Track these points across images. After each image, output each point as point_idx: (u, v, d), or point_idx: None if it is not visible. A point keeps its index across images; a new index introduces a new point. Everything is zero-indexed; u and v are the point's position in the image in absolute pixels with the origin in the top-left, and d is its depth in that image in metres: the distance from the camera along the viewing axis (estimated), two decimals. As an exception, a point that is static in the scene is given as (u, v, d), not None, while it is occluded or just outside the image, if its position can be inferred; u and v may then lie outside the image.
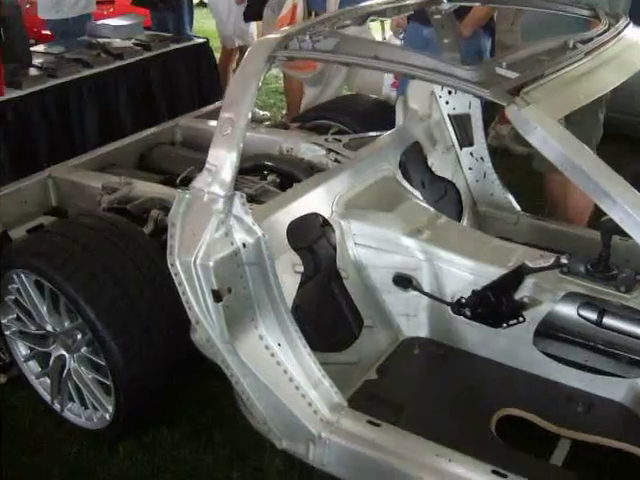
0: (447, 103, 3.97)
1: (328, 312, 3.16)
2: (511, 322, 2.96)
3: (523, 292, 2.94)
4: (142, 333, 2.97)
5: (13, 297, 3.29)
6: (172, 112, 5.41)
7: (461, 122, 4.01)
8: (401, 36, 5.19)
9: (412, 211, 3.38)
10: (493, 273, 3.00)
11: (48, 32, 6.81)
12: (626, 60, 2.64)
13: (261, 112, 7.39)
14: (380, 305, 3.31)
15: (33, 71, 5.01)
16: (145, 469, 3.20)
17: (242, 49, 7.15)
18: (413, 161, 3.79)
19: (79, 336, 3.15)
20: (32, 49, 5.88)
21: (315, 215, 3.15)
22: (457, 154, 4.06)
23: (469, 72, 2.26)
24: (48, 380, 3.40)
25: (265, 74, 2.61)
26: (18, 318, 3.36)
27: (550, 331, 2.98)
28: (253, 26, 7.07)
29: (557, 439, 2.85)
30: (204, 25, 9.88)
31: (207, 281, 2.54)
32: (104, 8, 8.14)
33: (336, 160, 3.89)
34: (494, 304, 2.94)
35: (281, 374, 2.72)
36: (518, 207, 4.10)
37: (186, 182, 3.82)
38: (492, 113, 6.14)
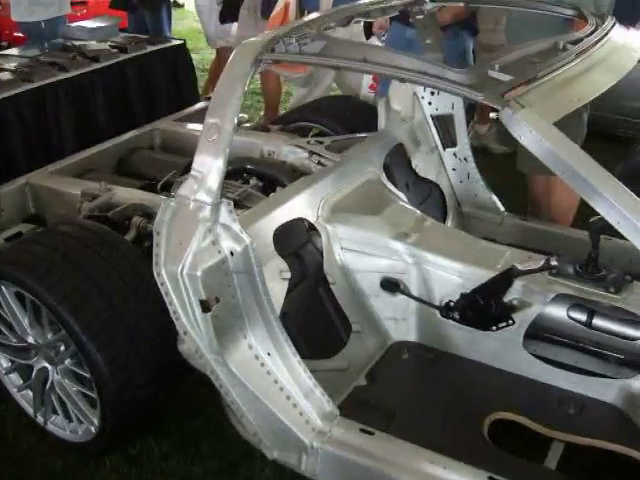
0: (430, 104, 3.94)
1: (316, 318, 3.12)
2: (500, 325, 2.96)
3: (512, 294, 2.92)
4: (128, 344, 2.90)
5: (-8, 309, 3.22)
6: (150, 115, 5.33)
7: (444, 123, 3.98)
8: (383, 37, 5.15)
9: (398, 214, 3.34)
10: (481, 276, 2.98)
11: (21, 34, 6.71)
12: (615, 61, 2.62)
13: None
14: (368, 310, 3.27)
15: (7, 75, 4.90)
16: (133, 482, 3.14)
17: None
18: (397, 163, 3.75)
19: (62, 348, 3.08)
20: (5, 52, 5.82)
21: (301, 220, 3.11)
22: (440, 155, 4.03)
23: (461, 75, 2.23)
24: (30, 393, 3.33)
25: (251, 77, 2.55)
26: (-2, 330, 3.28)
27: (540, 333, 2.96)
28: (235, 27, 6.99)
29: (550, 442, 2.83)
30: (178, 26, 9.81)
31: (195, 291, 2.49)
32: (77, 9, 8.07)
33: (319, 163, 3.84)
34: (483, 307, 2.94)
35: (271, 384, 2.68)
36: (502, 208, 4.08)
37: (167, 187, 3.81)
38: (471, 113, 6.14)
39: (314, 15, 2.91)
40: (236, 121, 2.50)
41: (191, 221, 2.49)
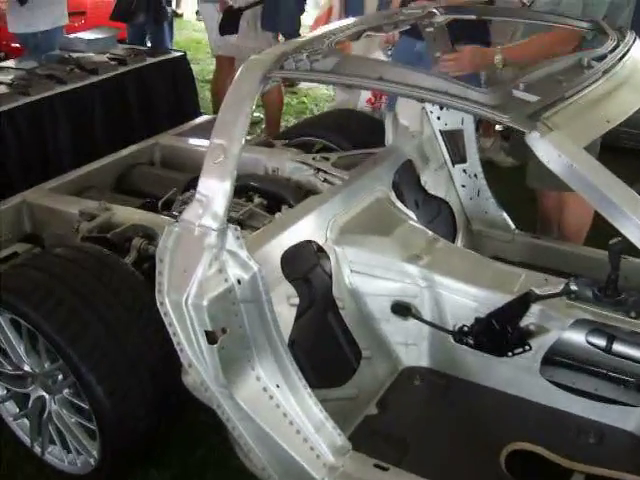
0: (439, 119, 3.83)
1: (325, 345, 3.00)
2: (517, 351, 2.84)
3: (529, 319, 2.80)
4: (129, 374, 2.77)
5: (-14, 336, 3.08)
6: (150, 129, 5.19)
7: (453, 138, 3.88)
8: (389, 52, 5.03)
9: (409, 235, 3.23)
10: (497, 300, 2.87)
11: (18, 45, 6.59)
12: None
13: None
14: (378, 335, 3.15)
15: (3, 88, 4.77)
16: (133, 516, 3.01)
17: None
18: (406, 180, 3.64)
19: (60, 377, 2.95)
20: (1, 65, 5.69)
21: (309, 242, 2.98)
22: (450, 171, 3.92)
23: (485, 95, 2.10)
24: (27, 421, 3.20)
25: (259, 95, 2.43)
26: (-7, 357, 3.15)
27: (557, 359, 2.85)
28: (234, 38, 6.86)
29: (570, 474, 2.70)
30: (177, 36, 9.67)
31: (200, 322, 2.35)
32: (75, 20, 7.92)
33: (325, 180, 3.72)
34: (499, 332, 2.83)
35: (281, 417, 2.54)
36: (513, 225, 3.97)
37: (168, 205, 3.68)
38: (476, 125, 6.04)
39: (324, 29, 2.79)
40: (243, 142, 2.36)
41: (196, 248, 2.35)
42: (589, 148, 2.04)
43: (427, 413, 3.03)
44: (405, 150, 3.72)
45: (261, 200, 3.61)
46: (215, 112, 6.86)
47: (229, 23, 6.40)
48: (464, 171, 3.91)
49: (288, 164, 3.95)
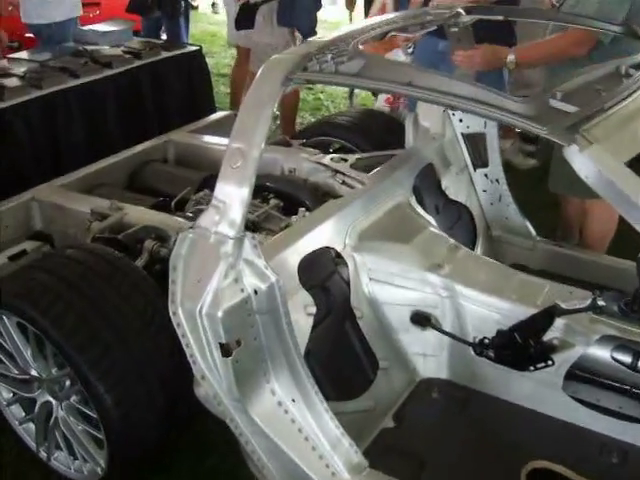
0: (461, 121, 3.72)
1: (342, 356, 2.90)
2: (539, 365, 2.74)
3: (553, 334, 2.71)
4: (138, 383, 2.67)
5: (-7, 337, 3.00)
6: (164, 125, 5.11)
7: (475, 142, 3.77)
8: (410, 50, 4.91)
9: (430, 242, 3.13)
10: (520, 312, 2.77)
11: (31, 35, 6.48)
12: None
13: None
14: (396, 345, 3.06)
15: (15, 81, 4.67)
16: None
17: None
18: (427, 185, 3.54)
19: (67, 383, 2.85)
20: (14, 56, 5.59)
21: (327, 249, 2.88)
22: (471, 175, 3.81)
23: (521, 105, 1.99)
24: (33, 426, 3.11)
25: (280, 98, 2.32)
26: (-1, 360, 3.07)
27: (581, 375, 2.76)
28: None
29: (593, 494, 2.62)
30: (192, 29, 9.52)
31: (214, 333, 2.25)
32: (90, 10, 7.80)
33: (343, 182, 3.62)
34: (521, 346, 2.73)
35: (296, 433, 2.44)
36: (534, 232, 3.87)
37: (181, 205, 3.59)
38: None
39: (348, 28, 2.68)
40: (263, 146, 2.26)
41: (211, 256, 2.24)
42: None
43: (445, 427, 2.93)
44: (426, 153, 3.62)
45: (277, 202, 3.51)
46: (232, 105, 6.87)
47: (245, 17, 6.31)
48: (485, 175, 3.81)
49: (305, 165, 3.86)
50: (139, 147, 4.38)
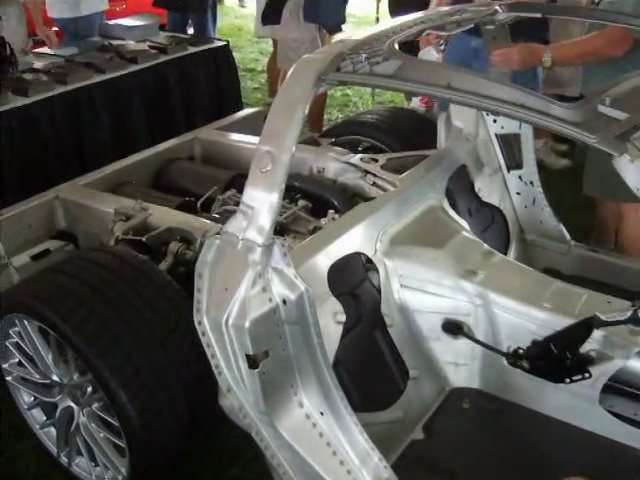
0: (495, 122, 3.61)
1: (372, 366, 2.82)
2: (575, 377, 2.65)
3: (590, 345, 2.60)
4: (162, 391, 2.58)
5: (15, 340, 2.92)
6: (190, 121, 5.06)
7: (509, 142, 3.65)
8: (442, 47, 4.79)
9: (463, 248, 3.03)
10: (556, 322, 2.68)
11: (56, 28, 6.42)
12: None
13: None
14: (427, 353, 2.97)
15: (40, 76, 4.62)
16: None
17: None
18: (460, 187, 3.44)
19: (89, 389, 2.78)
20: (39, 50, 5.55)
21: (358, 254, 2.79)
22: (504, 177, 3.70)
23: (567, 111, 1.88)
24: (54, 430, 3.04)
25: (311, 99, 2.22)
26: (20, 363, 2.99)
27: (619, 388, 2.67)
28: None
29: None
30: (218, 22, 9.42)
31: (241, 344, 2.16)
32: (116, 4, 7.76)
33: (374, 184, 3.52)
34: (557, 357, 2.65)
35: (324, 447, 2.35)
36: (568, 236, 3.75)
37: (208, 205, 3.50)
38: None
39: (382, 27, 2.57)
40: (294, 150, 2.16)
41: (239, 264, 2.15)
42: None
43: (476, 440, 2.84)
44: (459, 154, 3.52)
45: (306, 203, 3.42)
46: (271, 95, 6.86)
47: (272, 12, 6.24)
48: (519, 177, 3.70)
49: (334, 164, 3.76)
50: (165, 145, 4.29)
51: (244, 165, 3.96)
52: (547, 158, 6.04)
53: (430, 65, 2.36)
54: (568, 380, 2.66)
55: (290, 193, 3.47)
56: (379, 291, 2.85)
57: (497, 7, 3.19)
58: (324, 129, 5.64)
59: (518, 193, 3.73)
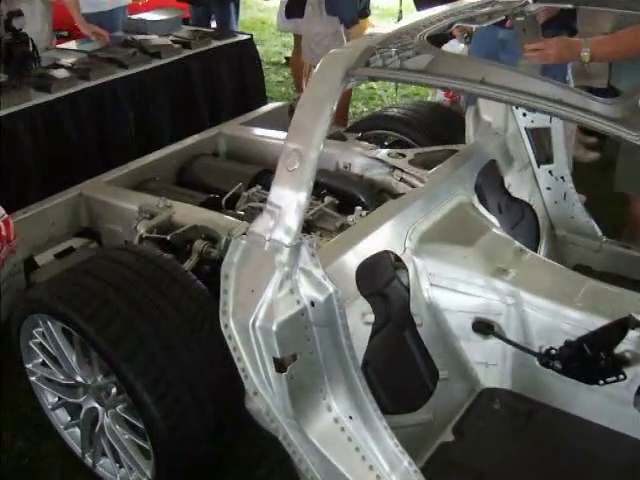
0: (524, 115, 3.54)
1: (401, 367, 2.76)
2: (609, 379, 2.59)
3: (625, 346, 2.55)
4: (187, 394, 2.53)
5: (38, 341, 2.89)
6: (214, 117, 5.00)
7: (538, 136, 3.57)
8: (467, 39, 4.71)
9: (494, 245, 2.97)
10: (590, 322, 2.62)
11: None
12: None
13: None
14: (456, 354, 2.91)
15: (63, 72, 4.57)
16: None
17: None
18: (489, 183, 3.37)
19: (113, 390, 2.73)
20: (62, 46, 5.51)
21: (386, 253, 2.73)
22: (534, 172, 3.62)
23: (607, 106, 1.80)
24: (78, 431, 3.01)
25: (339, 95, 2.16)
26: (44, 364, 2.96)
27: None
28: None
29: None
30: (241, 16, 9.34)
31: (268, 347, 2.11)
32: (140, -2, 7.71)
33: (401, 179, 3.46)
34: (590, 358, 2.58)
35: (352, 452, 2.29)
36: (600, 232, 3.69)
37: (233, 202, 3.46)
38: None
39: (411, 20, 2.50)
40: (322, 147, 2.10)
41: (266, 265, 2.10)
42: None
43: (508, 442, 2.78)
44: (488, 149, 3.46)
45: (332, 199, 3.37)
46: (298, 90, 6.99)
47: (296, 5, 6.21)
48: (550, 172, 3.63)
49: (361, 160, 3.72)
50: (189, 140, 4.25)
51: (269, 161, 3.92)
52: (576, 151, 5.93)
53: (463, 59, 2.29)
54: (602, 382, 2.60)
55: (316, 189, 3.40)
56: (408, 290, 2.79)
57: (529, -2, 3.11)
58: (349, 123, 5.58)
59: (548, 188, 3.67)
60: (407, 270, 2.79)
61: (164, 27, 5.59)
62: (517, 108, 3.51)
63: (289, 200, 2.09)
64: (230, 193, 3.50)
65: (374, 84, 7.93)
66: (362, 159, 3.71)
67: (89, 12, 5.73)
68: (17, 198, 3.63)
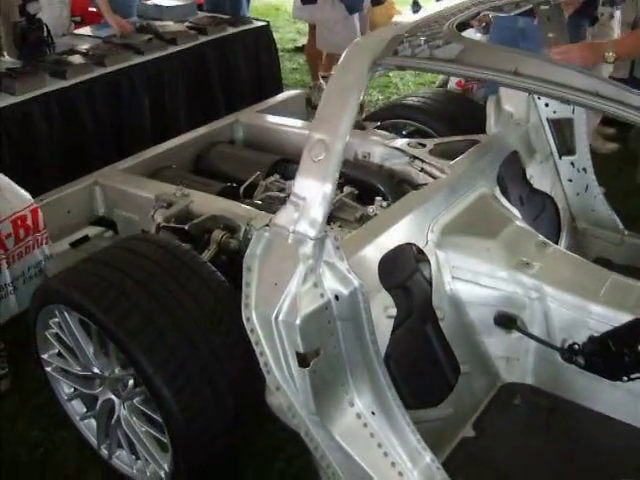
0: (547, 105, 3.49)
1: (423, 361, 2.72)
2: (633, 375, 2.52)
3: None
4: (206, 386, 2.49)
5: (54, 331, 2.86)
6: (230, 104, 4.95)
7: (561, 127, 3.51)
8: (485, 28, 4.64)
9: (517, 238, 2.92)
10: (614, 317, 2.57)
11: (94, 9, 6.33)
12: None
13: None
14: (477, 348, 2.87)
15: (79, 58, 4.54)
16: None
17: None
18: (511, 174, 3.32)
19: (131, 382, 2.70)
20: (77, 32, 5.46)
21: (409, 245, 2.68)
22: (556, 164, 3.56)
23: (646, 99, 1.75)
24: (94, 422, 2.97)
25: (367, 85, 2.10)
26: (60, 354, 2.92)
27: None
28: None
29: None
30: (255, 2, 9.29)
31: (291, 342, 2.06)
32: (153, -16, 7.64)
33: (422, 170, 3.40)
34: (614, 354, 2.51)
35: (375, 448, 2.25)
36: (621, 225, 3.63)
37: (251, 191, 3.41)
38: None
39: (439, 8, 2.44)
40: (348, 138, 2.05)
41: (289, 257, 2.05)
42: None
43: (528, 438, 2.74)
44: (510, 140, 3.41)
45: (352, 189, 3.32)
46: (314, 78, 6.99)
47: None
48: (572, 164, 3.58)
49: (380, 149, 3.66)
50: (205, 128, 4.19)
51: (287, 149, 3.88)
52: (594, 142, 5.87)
53: (495, 49, 2.21)
54: (626, 378, 2.53)
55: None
56: (430, 283, 2.75)
57: (553, -14, 3.05)
58: (365, 112, 5.52)
59: (570, 180, 3.62)
60: (429, 263, 2.74)
61: (179, 13, 5.55)
62: (539, 98, 3.45)
63: (314, 192, 2.04)
64: (248, 182, 3.45)
65: (389, 72, 7.86)
66: (381, 149, 3.65)
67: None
68: (32, 185, 3.59)
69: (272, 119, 4.28)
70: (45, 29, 4.68)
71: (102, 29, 5.36)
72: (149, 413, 2.65)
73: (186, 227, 2.97)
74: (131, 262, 2.67)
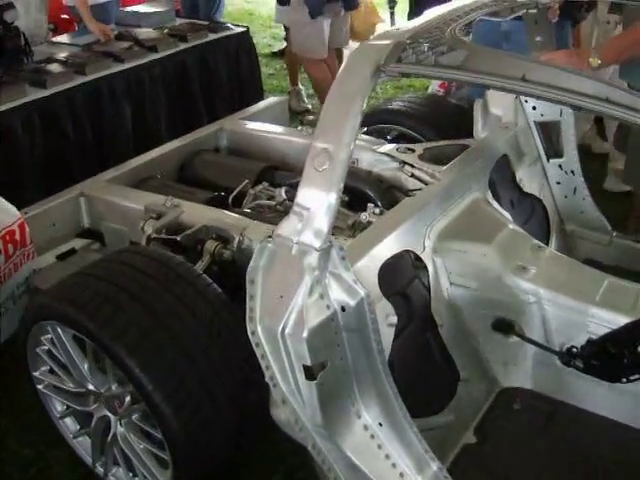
0: (534, 109, 3.49)
1: (424, 368, 2.71)
2: (632, 377, 2.51)
3: None
4: (207, 401, 2.44)
5: (46, 348, 2.79)
6: (211, 111, 4.91)
7: (548, 130, 3.51)
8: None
9: (512, 242, 2.91)
10: (611, 320, 2.57)
11: (67, 16, 6.26)
12: None
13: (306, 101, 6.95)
14: (476, 353, 2.86)
15: (58, 67, 4.46)
16: None
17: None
18: (502, 178, 3.32)
19: (128, 399, 2.64)
20: (55, 39, 5.39)
21: (407, 252, 2.66)
22: (544, 166, 3.56)
23: (660, 105, 1.74)
24: (88, 439, 2.91)
25: (370, 93, 2.07)
26: (52, 371, 2.86)
27: None
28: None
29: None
30: (228, 7, 9.24)
31: (298, 355, 2.03)
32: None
33: (412, 175, 3.38)
34: (613, 357, 2.51)
35: (383, 460, 2.23)
36: (610, 227, 3.64)
37: (239, 200, 3.37)
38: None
39: (437, 13, 2.40)
40: (353, 146, 2.02)
41: (294, 269, 2.02)
42: None
43: (529, 442, 2.73)
44: (500, 144, 3.40)
45: (343, 196, 3.28)
46: (292, 82, 7.07)
47: None
48: (560, 167, 3.58)
49: (369, 155, 3.62)
50: (190, 136, 4.14)
51: (272, 156, 3.85)
52: (593, 142, 5.90)
53: (501, 55, 2.19)
54: (625, 380, 2.53)
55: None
56: (429, 290, 2.73)
57: (544, -10, 3.05)
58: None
59: (558, 182, 3.62)
60: (427, 270, 2.72)
61: (158, 20, 5.50)
62: (526, 101, 3.45)
63: (319, 202, 2.01)
64: (237, 190, 3.41)
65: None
66: (370, 154, 3.62)
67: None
68: (13, 197, 3.52)
69: (256, 126, 4.24)
70: (22, 37, 4.61)
71: (80, 36, 5.28)
72: (148, 429, 2.60)
73: (178, 238, 2.92)
74: (125, 275, 2.61)
